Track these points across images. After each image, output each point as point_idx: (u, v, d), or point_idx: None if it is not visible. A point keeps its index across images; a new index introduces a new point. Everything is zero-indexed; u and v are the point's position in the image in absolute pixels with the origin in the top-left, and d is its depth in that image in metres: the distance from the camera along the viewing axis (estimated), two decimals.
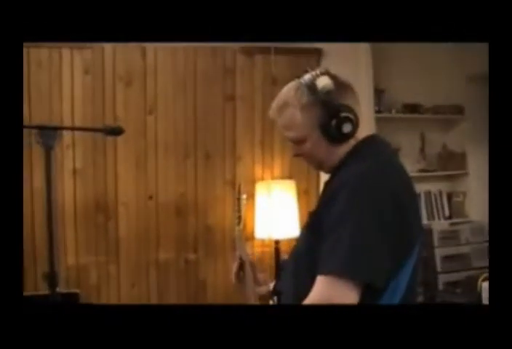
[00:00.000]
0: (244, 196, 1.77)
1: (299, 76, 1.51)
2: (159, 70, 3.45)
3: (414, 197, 1.50)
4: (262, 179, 3.60)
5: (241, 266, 1.77)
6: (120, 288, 3.40)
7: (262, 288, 1.82)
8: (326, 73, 1.49)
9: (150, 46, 3.40)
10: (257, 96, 3.61)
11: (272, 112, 1.55)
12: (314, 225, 1.44)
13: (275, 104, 1.54)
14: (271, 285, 1.78)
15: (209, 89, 3.54)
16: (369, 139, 1.54)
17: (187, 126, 3.50)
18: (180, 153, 3.49)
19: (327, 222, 1.36)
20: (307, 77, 1.48)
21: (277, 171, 3.65)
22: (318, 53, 3.66)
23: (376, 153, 1.50)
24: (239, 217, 1.71)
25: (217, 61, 3.55)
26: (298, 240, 1.59)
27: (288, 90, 1.52)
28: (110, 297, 3.36)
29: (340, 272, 1.29)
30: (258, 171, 3.62)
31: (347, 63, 3.58)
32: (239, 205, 1.74)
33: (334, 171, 1.52)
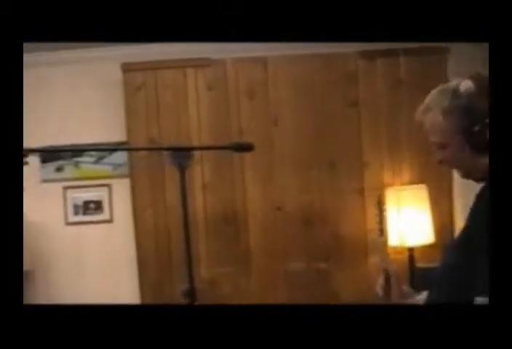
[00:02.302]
0: (386, 207, 1.73)
1: (448, 80, 1.50)
2: (280, 80, 3.45)
3: None
4: (392, 185, 3.49)
5: (387, 279, 1.72)
6: (252, 299, 3.42)
7: (407, 301, 1.77)
8: (475, 76, 1.44)
9: (272, 57, 3.42)
10: (381, 100, 3.51)
11: (417, 114, 1.53)
12: (466, 238, 1.37)
13: (421, 107, 1.52)
14: (416, 298, 1.73)
15: (331, 96, 3.49)
16: None
17: (311, 134, 3.47)
18: (306, 163, 3.47)
19: (484, 238, 1.28)
20: (455, 81, 1.45)
21: (406, 176, 3.52)
22: (445, 52, 3.49)
23: None
24: (381, 230, 1.66)
25: (338, 67, 3.49)
26: (449, 253, 1.52)
27: (432, 94, 1.50)
28: None
29: None
30: (387, 177, 3.51)
31: (474, 61, 3.39)
32: (381, 217, 1.69)
33: (487, 182, 1.44)
